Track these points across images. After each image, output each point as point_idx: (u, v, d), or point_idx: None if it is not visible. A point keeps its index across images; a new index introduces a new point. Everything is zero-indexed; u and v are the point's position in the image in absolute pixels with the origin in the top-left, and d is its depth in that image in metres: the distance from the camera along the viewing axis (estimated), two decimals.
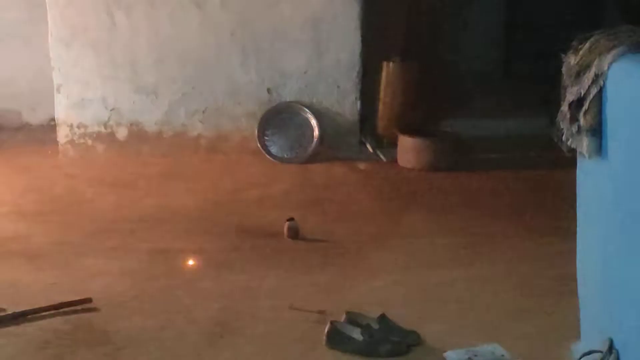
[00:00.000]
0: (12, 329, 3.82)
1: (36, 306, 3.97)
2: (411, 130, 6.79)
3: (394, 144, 6.79)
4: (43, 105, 7.24)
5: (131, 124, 6.98)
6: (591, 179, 3.21)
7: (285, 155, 6.88)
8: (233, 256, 4.82)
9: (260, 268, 4.65)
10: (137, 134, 6.98)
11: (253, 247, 4.97)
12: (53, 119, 7.04)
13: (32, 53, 7.19)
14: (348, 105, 6.96)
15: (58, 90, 6.87)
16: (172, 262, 4.71)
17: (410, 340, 3.76)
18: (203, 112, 7.00)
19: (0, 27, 7.33)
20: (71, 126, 6.92)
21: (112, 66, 6.89)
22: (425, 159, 6.60)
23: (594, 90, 3.02)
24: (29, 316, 3.91)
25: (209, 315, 4.04)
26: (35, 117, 7.55)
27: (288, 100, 6.96)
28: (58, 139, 6.94)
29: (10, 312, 3.91)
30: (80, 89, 6.89)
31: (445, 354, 3.64)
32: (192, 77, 6.96)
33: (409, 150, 6.68)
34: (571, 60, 3.20)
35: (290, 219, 5.16)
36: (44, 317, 3.93)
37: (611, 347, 2.95)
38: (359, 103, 6.97)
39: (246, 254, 4.86)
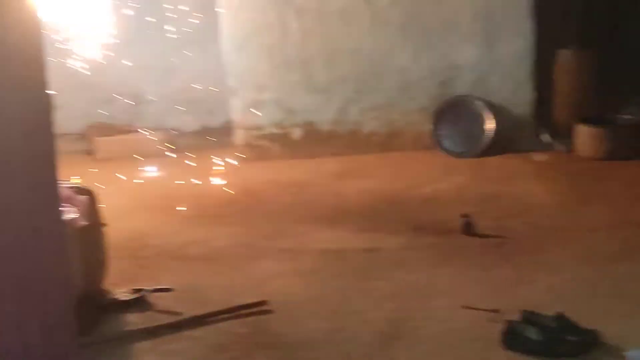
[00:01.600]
0: (190, 332, 3.92)
1: (214, 309, 4.06)
2: (589, 119, 6.58)
3: (570, 133, 6.59)
4: (220, 109, 7.40)
5: (305, 124, 7.06)
6: None
7: (459, 150, 6.80)
8: (406, 254, 4.79)
9: (434, 266, 4.60)
10: (311, 134, 7.06)
11: (427, 245, 4.92)
12: (230, 122, 7.19)
13: (208, 59, 7.36)
14: (522, 96, 6.81)
15: (233, 94, 7.03)
16: (345, 262, 4.72)
17: (589, 339, 3.63)
18: (375, 109, 7.00)
19: (180, 36, 7.53)
20: (247, 129, 7.06)
21: (285, 68, 6.98)
22: (604, 148, 6.38)
23: None
24: (207, 320, 4.00)
25: (382, 315, 4.02)
26: (212, 120, 7.73)
27: (461, 93, 6.87)
28: (235, 142, 7.09)
29: (188, 316, 4.01)
30: (255, 92, 7.02)
31: (626, 354, 3.49)
32: (363, 75, 6.98)
33: (586, 139, 6.47)
34: None
35: (465, 215, 5.09)
36: (221, 321, 4.02)
37: None
38: (533, 93, 6.80)
39: (420, 252, 4.82)
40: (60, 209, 3.14)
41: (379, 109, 7.00)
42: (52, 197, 3.03)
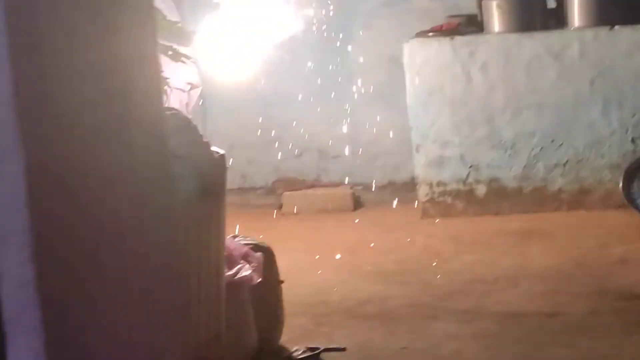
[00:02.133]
0: None
1: None
2: None
3: None
4: (405, 164, 7.38)
5: (490, 181, 6.92)
6: None
7: None
8: (591, 320, 4.58)
9: (621, 334, 4.37)
10: (496, 191, 6.91)
11: (614, 311, 4.69)
12: (414, 178, 7.16)
13: (393, 113, 7.38)
14: None
15: (417, 150, 6.99)
16: (525, 327, 4.56)
17: None
18: (564, 165, 6.80)
19: (365, 91, 7.60)
20: (430, 184, 7.00)
21: (470, 123, 6.89)
22: None
23: None
24: None
25: None
26: (398, 176, 7.72)
27: None
28: (418, 198, 7.04)
29: None
30: (438, 147, 6.95)
31: None
32: (550, 130, 6.79)
33: None
34: None
35: None
36: None
37: None
38: None
39: (606, 318, 4.59)
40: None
41: (566, 166, 6.78)
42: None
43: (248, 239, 5.28)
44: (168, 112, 4.37)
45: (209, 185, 4.27)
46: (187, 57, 6.11)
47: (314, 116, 7.54)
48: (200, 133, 4.44)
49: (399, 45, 6.98)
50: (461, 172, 6.96)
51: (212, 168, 4.33)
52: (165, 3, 7.08)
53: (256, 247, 4.66)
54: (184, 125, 4.31)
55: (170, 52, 5.96)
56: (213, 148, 4.57)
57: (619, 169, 6.65)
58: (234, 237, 5.24)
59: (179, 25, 6.54)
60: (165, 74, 6.66)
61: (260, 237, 4.89)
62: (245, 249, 4.59)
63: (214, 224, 4.33)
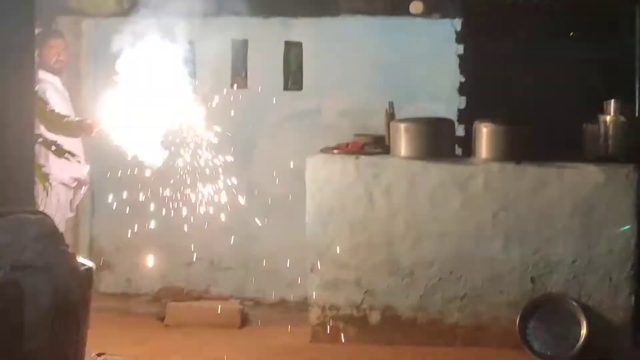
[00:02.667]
0: None
1: None
2: None
3: None
4: (299, 283, 7.07)
5: (385, 308, 6.63)
6: None
7: (549, 352, 6.26)
8: None
9: None
10: (391, 319, 6.61)
11: None
12: (307, 298, 6.84)
13: (292, 229, 7.10)
14: (621, 301, 6.27)
15: (312, 270, 6.69)
16: None
17: None
18: (461, 299, 6.55)
19: (265, 203, 7.34)
20: (323, 307, 6.68)
21: (368, 247, 6.63)
22: None
23: None
24: None
25: None
26: (292, 294, 7.40)
27: (553, 291, 6.39)
28: (310, 320, 6.71)
29: None
30: (334, 269, 6.66)
31: None
32: (450, 261, 6.56)
33: None
34: None
35: None
36: None
37: None
38: (632, 298, 6.27)
39: None
40: None
41: (464, 299, 6.54)
42: None
43: (116, 357, 4.92)
44: (32, 217, 4.02)
45: (68, 301, 3.90)
46: (72, 155, 5.80)
47: (208, 223, 7.21)
48: (66, 242, 4.07)
49: (303, 159, 6.75)
50: (356, 296, 6.66)
51: (74, 282, 3.95)
52: (60, 94, 6.77)
53: None
54: (47, 233, 3.95)
55: (53, 148, 5.66)
56: (80, 260, 4.22)
57: (516, 307, 6.43)
58: (100, 355, 4.86)
59: (68, 118, 6.23)
60: (48, 168, 6.36)
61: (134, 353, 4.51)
62: None
63: (71, 342, 3.96)
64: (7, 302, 3.63)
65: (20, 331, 3.62)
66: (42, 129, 6.24)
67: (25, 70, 4.72)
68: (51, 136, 6.00)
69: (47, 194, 6.13)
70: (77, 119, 6.58)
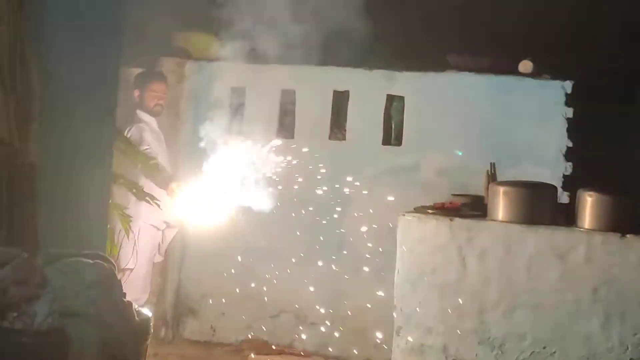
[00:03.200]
0: None
1: None
2: None
3: None
4: (388, 344, 6.81)
5: None
6: None
7: None
8: None
9: None
10: None
11: None
12: None
13: (382, 288, 6.86)
14: None
15: (397, 332, 6.42)
16: None
17: None
18: None
19: (356, 259, 7.14)
20: None
21: (458, 313, 6.32)
22: None
23: None
24: None
25: None
26: (378, 355, 7.14)
27: None
28: None
29: None
30: (421, 334, 6.37)
31: None
32: (544, 335, 6.18)
33: None
34: None
35: None
36: None
37: None
38: None
39: None
40: None
41: None
42: None
43: None
44: (89, 262, 3.91)
45: (119, 353, 3.75)
46: (152, 198, 5.73)
47: (297, 277, 7.04)
48: (122, 290, 3.95)
49: (397, 217, 6.52)
50: None
51: (127, 334, 3.81)
52: (155, 135, 6.74)
53: None
54: (103, 280, 3.83)
55: (134, 190, 5.60)
56: (137, 309, 4.09)
57: None
58: None
59: (155, 162, 6.17)
60: (135, 211, 6.31)
61: None
62: None
63: None
64: (51, 350, 3.51)
65: None
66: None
67: (106, 109, 4.67)
68: (135, 178, 5.96)
69: (130, 236, 6.08)
70: (166, 173, 6.51)
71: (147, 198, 5.65)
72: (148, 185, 6.13)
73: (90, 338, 3.60)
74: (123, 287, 6.19)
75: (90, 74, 4.42)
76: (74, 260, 3.86)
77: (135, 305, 4.04)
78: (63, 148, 4.36)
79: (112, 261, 4.04)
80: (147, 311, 4.07)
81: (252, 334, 7.22)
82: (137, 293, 6.48)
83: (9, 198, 3.98)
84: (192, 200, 6.18)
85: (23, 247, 3.82)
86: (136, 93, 6.78)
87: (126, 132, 6.48)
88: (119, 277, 6.27)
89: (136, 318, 3.89)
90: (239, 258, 7.11)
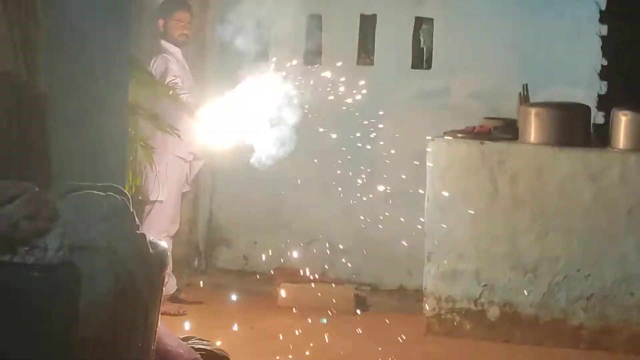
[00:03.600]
0: None
1: None
2: None
3: None
4: (420, 271, 6.74)
5: (504, 304, 6.24)
6: None
7: None
8: None
9: None
10: (510, 316, 6.22)
11: None
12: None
13: (412, 214, 6.76)
14: None
15: (428, 258, 6.36)
16: None
17: None
18: (587, 299, 6.09)
19: (385, 187, 7.05)
20: (439, 299, 6.34)
21: (490, 238, 6.24)
22: None
23: None
24: None
25: None
26: (411, 282, 7.09)
27: None
28: (424, 312, 6.38)
29: None
30: (452, 259, 6.31)
31: None
32: (578, 258, 6.10)
33: None
34: None
35: None
36: None
37: None
38: None
39: None
40: None
41: (591, 300, 6.07)
42: None
43: (204, 342, 4.77)
44: (102, 194, 3.86)
45: (133, 286, 3.71)
46: (173, 128, 5.66)
47: (328, 206, 6.98)
48: (137, 223, 3.89)
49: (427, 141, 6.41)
50: (474, 290, 6.29)
51: (141, 266, 3.76)
52: (180, 65, 6.65)
53: (209, 355, 4.18)
54: (115, 212, 3.78)
55: (154, 121, 5.54)
56: (153, 241, 4.04)
57: None
58: (187, 339, 4.71)
59: (176, 92, 6.08)
60: (162, 143, 6.25)
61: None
62: (195, 355, 4.13)
63: (137, 330, 3.78)
64: (60, 284, 3.47)
65: (75, 317, 3.44)
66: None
67: (120, 35, 4.56)
68: (157, 109, 5.89)
69: (154, 168, 6.04)
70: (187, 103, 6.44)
71: (167, 129, 5.59)
72: (177, 116, 6.06)
73: (102, 271, 3.55)
74: (146, 219, 6.27)
75: (99, 1, 4.32)
76: (85, 193, 3.80)
77: (150, 237, 3.99)
78: (75, 77, 4.26)
79: (127, 193, 3.98)
80: (163, 243, 4.02)
81: (284, 262, 7.18)
82: (167, 224, 6.46)
83: (19, 131, 3.92)
84: (217, 127, 6.09)
85: (35, 181, 3.78)
86: (160, 23, 6.65)
87: (151, 63, 6.39)
88: (146, 208, 6.33)
89: (151, 251, 3.83)
90: (271, 188, 7.04)
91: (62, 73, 4.19)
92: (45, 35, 3.95)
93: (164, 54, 6.52)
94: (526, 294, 6.20)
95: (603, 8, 6.76)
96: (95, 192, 3.91)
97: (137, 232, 3.86)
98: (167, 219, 6.48)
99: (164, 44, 6.60)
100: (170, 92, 5.85)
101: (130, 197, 4.03)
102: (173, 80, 6.29)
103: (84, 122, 4.35)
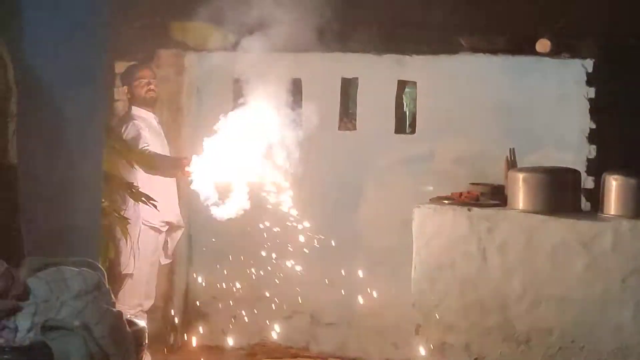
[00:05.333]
0: None
1: None
2: None
3: None
4: (406, 343, 6.48)
5: None
6: None
7: None
8: None
9: None
10: None
11: None
12: None
13: (399, 283, 6.52)
14: None
15: (417, 331, 6.10)
16: None
17: None
18: None
19: (370, 255, 6.82)
20: None
21: (480, 308, 6.00)
22: None
23: None
24: None
25: None
26: (397, 355, 6.82)
27: None
28: None
29: None
30: (441, 332, 6.06)
31: None
32: (572, 328, 5.87)
33: None
34: None
35: None
36: None
37: None
38: None
39: None
40: None
41: None
42: None
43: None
44: (75, 270, 3.61)
45: None
46: (148, 198, 5.42)
47: (310, 276, 6.72)
48: (112, 299, 3.63)
49: (413, 209, 6.19)
50: None
51: (117, 345, 3.50)
52: (153, 131, 6.43)
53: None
54: (90, 289, 3.52)
55: (129, 191, 5.30)
56: (130, 318, 3.78)
57: None
58: None
59: (151, 153, 5.84)
60: (134, 213, 5.99)
61: None
62: None
63: None
64: None
65: None
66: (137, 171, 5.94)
67: (93, 106, 4.36)
68: (131, 178, 5.66)
69: (128, 240, 5.77)
70: (171, 157, 6.26)
71: (142, 199, 5.35)
72: (155, 181, 5.85)
73: (76, 352, 3.30)
74: (119, 293, 5.98)
75: (73, 71, 4.11)
76: (58, 269, 3.56)
77: (127, 314, 3.73)
78: (48, 148, 4.05)
79: (101, 268, 3.73)
80: (141, 320, 3.76)
81: (265, 337, 6.89)
82: (141, 299, 6.18)
83: None
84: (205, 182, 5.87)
85: (4, 256, 3.54)
86: (125, 90, 6.49)
87: (122, 130, 6.16)
88: (119, 283, 6.04)
89: (127, 328, 3.57)
90: (252, 259, 6.79)
91: (34, 143, 3.98)
92: (16, 104, 3.74)
93: (135, 121, 6.31)
94: None
95: (590, 70, 6.60)
96: (68, 267, 3.67)
97: (113, 309, 3.61)
98: (141, 293, 6.21)
99: (134, 110, 6.40)
100: (146, 155, 5.62)
101: (105, 272, 3.78)
102: (146, 147, 6.08)
103: (56, 194, 4.13)
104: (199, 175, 5.83)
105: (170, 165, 6.08)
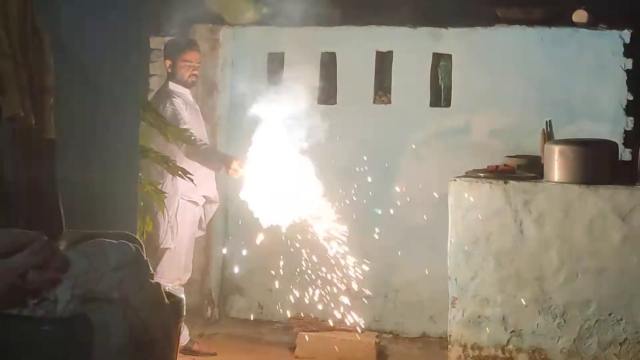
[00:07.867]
0: None
1: None
2: None
3: None
4: (443, 317, 6.48)
5: (533, 351, 5.96)
6: None
7: None
8: None
9: None
10: None
11: None
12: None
13: (435, 258, 6.51)
14: None
15: (453, 304, 6.09)
16: None
17: None
18: (620, 344, 5.81)
19: (406, 229, 6.81)
20: (464, 346, 6.06)
21: (516, 281, 5.98)
22: None
23: None
24: None
25: None
26: (434, 329, 6.83)
27: None
28: (450, 358, 6.11)
29: None
30: (477, 305, 6.04)
31: None
32: (609, 301, 5.83)
33: None
34: None
35: None
36: None
37: None
38: None
39: None
40: None
41: (624, 345, 5.80)
42: None
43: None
44: (114, 242, 3.63)
45: (147, 337, 3.47)
46: (185, 172, 5.44)
47: (346, 250, 6.72)
48: (150, 271, 3.66)
49: (448, 182, 6.17)
50: (501, 336, 6.02)
51: (156, 317, 3.52)
52: (190, 107, 6.44)
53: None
54: (128, 261, 3.54)
55: (165, 165, 5.33)
56: (169, 290, 3.81)
57: None
58: None
59: (188, 133, 5.87)
60: (173, 187, 6.03)
61: None
62: None
63: None
64: (73, 338, 3.24)
65: None
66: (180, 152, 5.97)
67: (130, 80, 4.38)
68: (167, 152, 5.69)
69: (165, 213, 5.81)
70: (220, 152, 6.26)
71: (179, 172, 5.37)
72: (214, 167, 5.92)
73: (115, 323, 3.32)
74: (158, 267, 6.02)
75: (110, 44, 4.12)
76: (96, 241, 3.58)
77: (166, 287, 3.76)
78: (84, 122, 4.07)
79: (139, 240, 3.75)
80: (179, 292, 3.79)
81: (301, 310, 6.90)
82: (179, 272, 6.21)
83: (27, 178, 3.71)
84: (249, 177, 5.89)
85: (44, 229, 3.56)
86: (168, 63, 6.39)
87: (160, 108, 6.15)
88: (157, 256, 6.09)
89: (166, 300, 3.60)
90: (286, 232, 6.80)
91: (72, 118, 4.00)
92: (54, 79, 3.75)
93: (173, 98, 6.28)
94: (556, 340, 5.93)
95: (627, 41, 6.54)
96: (107, 240, 3.70)
97: (152, 281, 3.63)
98: (179, 266, 6.24)
99: (172, 85, 6.35)
100: (181, 135, 5.64)
101: (143, 245, 3.81)
102: (185, 127, 6.08)
103: (94, 167, 4.16)
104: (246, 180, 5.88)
105: (217, 160, 6.09)
